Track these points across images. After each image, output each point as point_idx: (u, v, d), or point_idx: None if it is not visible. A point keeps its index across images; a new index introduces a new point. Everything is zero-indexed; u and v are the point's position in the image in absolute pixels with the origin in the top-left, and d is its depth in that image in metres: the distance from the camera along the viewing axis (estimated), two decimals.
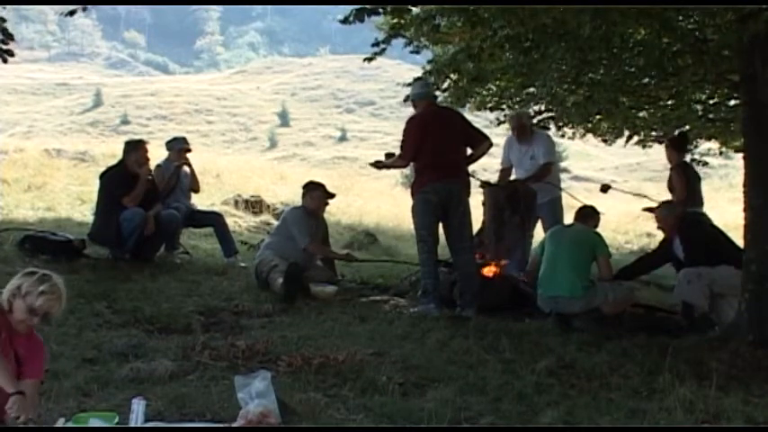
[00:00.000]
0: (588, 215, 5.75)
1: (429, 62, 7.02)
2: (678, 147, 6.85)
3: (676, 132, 7.95)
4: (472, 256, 5.72)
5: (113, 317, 4.71)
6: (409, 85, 7.12)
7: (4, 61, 5.14)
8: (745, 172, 5.06)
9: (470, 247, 5.69)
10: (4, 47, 5.11)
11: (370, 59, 5.91)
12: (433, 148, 5.53)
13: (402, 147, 5.76)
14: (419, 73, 7.04)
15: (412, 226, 7.32)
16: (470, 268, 5.62)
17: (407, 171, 7.12)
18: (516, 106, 7.65)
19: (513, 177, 6.91)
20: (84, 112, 76.62)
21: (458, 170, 5.63)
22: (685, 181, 6.42)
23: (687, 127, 8.27)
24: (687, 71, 5.80)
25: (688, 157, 9.15)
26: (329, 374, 3.67)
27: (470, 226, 5.67)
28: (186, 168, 7.14)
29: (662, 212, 5.92)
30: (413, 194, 5.73)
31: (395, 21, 5.68)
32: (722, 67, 5.55)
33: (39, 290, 2.69)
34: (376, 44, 5.81)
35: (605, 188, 7.44)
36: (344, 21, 4.95)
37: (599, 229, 5.78)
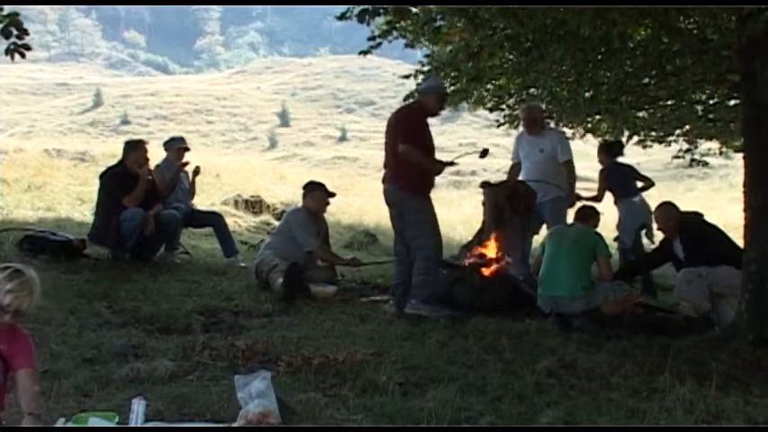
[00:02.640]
0: (588, 215, 5.75)
1: (426, 56, 7.03)
2: (609, 152, 7.47)
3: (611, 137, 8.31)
4: (418, 260, 5.42)
5: (113, 317, 4.71)
6: (407, 77, 7.15)
7: (22, 56, 5.11)
8: (745, 172, 5.05)
9: (417, 249, 5.41)
10: (20, 42, 5.07)
11: (365, 53, 5.91)
12: (385, 149, 5.55)
13: None
14: None
15: None
16: (414, 270, 5.40)
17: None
18: (516, 106, 7.66)
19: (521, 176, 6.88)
20: (84, 112, 76.64)
21: (393, 172, 5.45)
22: (604, 185, 7.44)
23: (687, 127, 8.28)
24: (687, 71, 5.80)
25: (688, 157, 9.23)
26: (329, 374, 3.67)
27: (416, 228, 5.39)
28: (187, 170, 7.16)
29: (661, 214, 5.92)
30: None
31: (394, 20, 5.68)
32: (722, 67, 5.55)
33: (6, 288, 2.64)
34: (372, 38, 5.82)
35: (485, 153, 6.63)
36: (341, 17, 4.95)
37: (599, 230, 5.77)
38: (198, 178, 7.41)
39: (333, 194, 6.43)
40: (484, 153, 6.27)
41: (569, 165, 6.66)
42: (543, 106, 7.72)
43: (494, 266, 6.00)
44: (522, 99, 7.54)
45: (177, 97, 79.63)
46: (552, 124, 8.08)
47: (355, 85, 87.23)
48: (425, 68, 6.91)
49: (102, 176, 6.55)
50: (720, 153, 9.55)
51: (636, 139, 8.78)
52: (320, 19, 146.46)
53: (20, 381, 2.65)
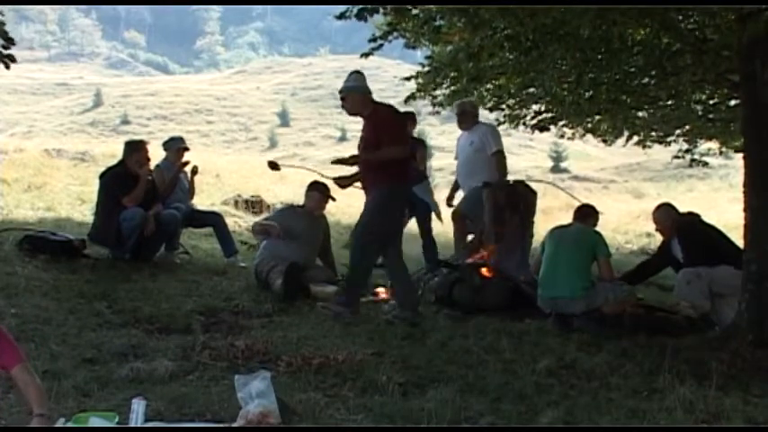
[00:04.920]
0: (588, 214, 5.74)
1: (427, 58, 7.03)
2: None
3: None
4: None
5: (113, 317, 4.71)
6: (408, 79, 7.13)
7: (7, 67, 4.97)
8: (745, 172, 5.05)
9: None
10: (5, 51, 4.92)
11: (367, 55, 5.91)
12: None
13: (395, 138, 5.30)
14: None
15: (411, 227, 7.34)
16: None
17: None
18: (516, 106, 7.65)
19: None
20: (84, 112, 76.64)
21: None
22: None
23: (687, 127, 8.27)
24: (687, 71, 5.79)
25: (688, 157, 9.21)
26: (329, 374, 3.67)
27: None
28: (185, 170, 7.17)
29: (659, 215, 5.91)
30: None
31: (395, 21, 5.67)
32: (722, 67, 5.54)
33: None
34: (373, 39, 5.81)
35: (274, 165, 6.45)
36: (341, 16, 4.94)
37: (599, 229, 5.77)
38: (198, 178, 7.41)
39: (331, 197, 6.41)
40: (273, 166, 6.25)
41: (498, 156, 6.67)
42: (543, 107, 7.71)
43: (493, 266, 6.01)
44: (521, 99, 7.53)
45: (177, 97, 79.59)
46: (552, 125, 8.07)
47: None
48: (426, 69, 6.90)
49: (103, 176, 6.55)
50: (720, 153, 9.53)
51: (636, 138, 8.77)
52: (320, 19, 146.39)
53: (18, 378, 2.64)
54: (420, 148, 7.06)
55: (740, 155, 5.83)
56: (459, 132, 7.21)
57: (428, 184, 7.19)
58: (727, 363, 4.28)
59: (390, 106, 5.52)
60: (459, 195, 7.20)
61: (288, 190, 13.07)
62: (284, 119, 76.90)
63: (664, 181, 42.04)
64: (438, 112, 8.11)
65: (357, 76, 5.40)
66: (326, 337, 4.48)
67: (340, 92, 5.41)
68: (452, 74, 6.71)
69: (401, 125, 5.54)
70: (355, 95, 5.32)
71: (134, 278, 5.78)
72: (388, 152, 5.22)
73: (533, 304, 5.50)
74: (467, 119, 6.94)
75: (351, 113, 5.41)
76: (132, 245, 6.24)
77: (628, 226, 15.09)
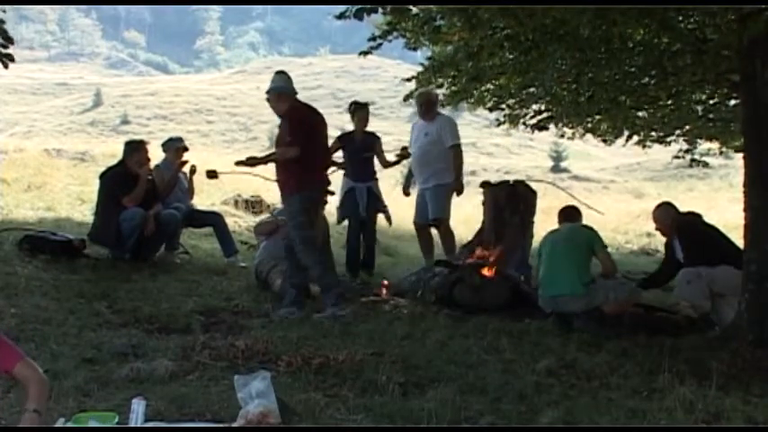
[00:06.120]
0: (572, 214, 5.73)
1: (428, 59, 7.03)
2: None
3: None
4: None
5: (113, 317, 4.72)
6: (408, 80, 7.12)
7: (5, 66, 4.98)
8: (745, 172, 5.06)
9: None
10: (4, 51, 4.94)
11: (366, 53, 5.91)
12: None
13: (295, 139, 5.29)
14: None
15: (411, 226, 7.35)
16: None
17: (404, 170, 7.09)
18: (516, 106, 7.65)
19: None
20: (84, 111, 76.56)
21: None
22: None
23: (687, 127, 8.27)
24: (687, 71, 5.80)
25: (688, 157, 9.21)
26: (329, 374, 3.67)
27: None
28: (185, 170, 7.17)
29: (659, 214, 5.91)
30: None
31: (395, 21, 5.67)
32: (722, 67, 5.55)
33: None
34: (372, 38, 5.81)
35: (212, 174, 6.28)
36: (341, 16, 4.95)
37: (597, 228, 5.76)
38: (198, 178, 7.41)
39: (331, 193, 6.41)
40: (211, 174, 6.20)
41: (455, 149, 6.66)
42: (543, 107, 7.71)
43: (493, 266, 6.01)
44: (521, 99, 7.53)
45: (177, 97, 79.50)
46: (553, 126, 8.07)
47: (355, 85, 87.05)
48: (426, 67, 6.90)
49: (103, 176, 6.56)
50: (720, 153, 9.54)
51: (636, 138, 8.77)
52: (320, 19, 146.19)
53: (20, 375, 2.63)
54: (377, 143, 7.05)
55: (740, 155, 5.82)
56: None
57: (376, 183, 7.07)
58: (727, 363, 4.28)
59: (308, 108, 5.57)
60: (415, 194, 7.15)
61: None
62: None
63: (664, 181, 42.02)
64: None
65: (276, 76, 5.50)
66: (326, 337, 4.48)
67: (266, 92, 5.50)
68: (452, 73, 6.71)
69: (309, 128, 5.36)
70: (272, 95, 5.41)
71: (134, 278, 5.79)
72: (282, 153, 5.31)
73: (533, 304, 5.51)
74: (432, 109, 6.92)
75: (276, 114, 5.48)
76: (132, 245, 6.25)
77: (628, 226, 15.11)
